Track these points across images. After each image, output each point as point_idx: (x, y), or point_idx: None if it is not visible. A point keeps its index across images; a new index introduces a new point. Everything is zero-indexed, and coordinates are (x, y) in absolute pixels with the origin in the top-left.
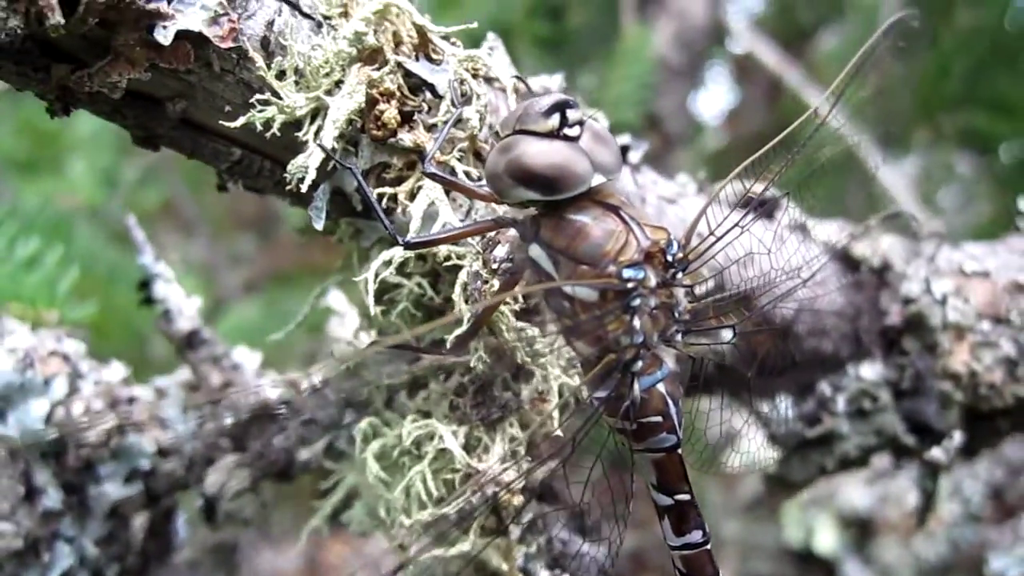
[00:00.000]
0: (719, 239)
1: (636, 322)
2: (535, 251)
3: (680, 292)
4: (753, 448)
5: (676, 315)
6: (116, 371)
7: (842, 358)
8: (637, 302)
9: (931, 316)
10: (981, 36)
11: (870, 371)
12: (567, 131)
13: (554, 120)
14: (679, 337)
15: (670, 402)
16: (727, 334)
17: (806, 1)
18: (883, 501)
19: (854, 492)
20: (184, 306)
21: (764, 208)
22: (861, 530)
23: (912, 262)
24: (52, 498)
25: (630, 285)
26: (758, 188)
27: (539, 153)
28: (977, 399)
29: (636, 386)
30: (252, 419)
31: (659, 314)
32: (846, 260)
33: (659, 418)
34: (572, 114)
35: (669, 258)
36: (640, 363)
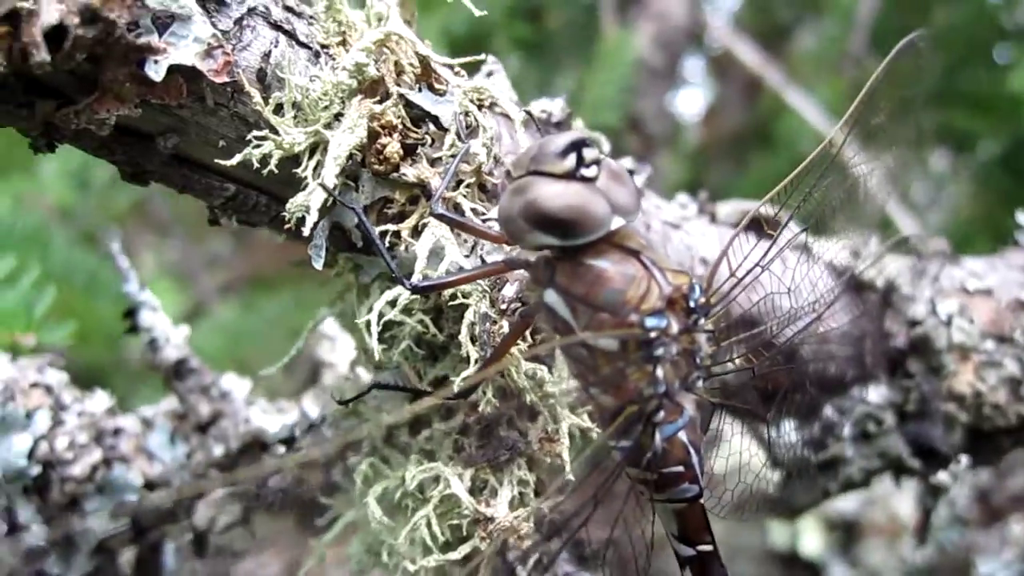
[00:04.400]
0: (740, 280)
1: (659, 372)
2: (551, 297)
3: (702, 338)
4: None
5: (697, 361)
6: (100, 401)
7: (847, 381)
8: (660, 351)
9: (937, 338)
10: (958, 33)
11: (875, 394)
12: (584, 172)
13: (570, 160)
14: (700, 383)
15: (692, 451)
16: (745, 376)
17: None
18: (869, 504)
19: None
20: (171, 335)
21: (787, 243)
22: (847, 533)
23: (917, 283)
24: (36, 535)
25: (653, 335)
26: (776, 219)
27: (556, 196)
28: (981, 419)
29: (657, 436)
30: (243, 450)
31: (680, 361)
32: (854, 284)
33: (681, 468)
34: (588, 153)
35: (691, 304)
36: (662, 413)
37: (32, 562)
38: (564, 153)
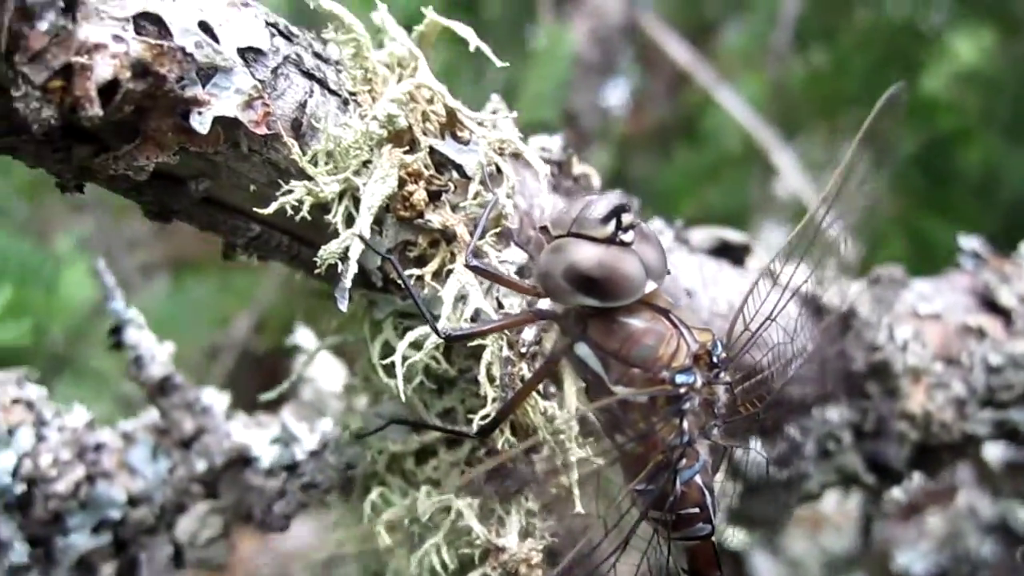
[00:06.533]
0: (754, 334)
1: (685, 424)
2: (583, 350)
3: (720, 389)
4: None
5: (716, 411)
6: (79, 416)
7: (808, 402)
8: (687, 405)
9: (895, 363)
10: (878, 35)
11: (834, 414)
12: (623, 236)
13: (611, 226)
14: (715, 431)
15: (707, 493)
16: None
17: None
18: None
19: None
20: (156, 352)
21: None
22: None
23: (878, 310)
24: (18, 552)
25: (682, 390)
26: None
27: (599, 261)
28: (928, 436)
29: (677, 481)
30: (227, 466)
31: (701, 411)
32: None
33: (696, 509)
34: (627, 219)
35: (714, 359)
36: (684, 460)
37: None
38: (606, 219)
